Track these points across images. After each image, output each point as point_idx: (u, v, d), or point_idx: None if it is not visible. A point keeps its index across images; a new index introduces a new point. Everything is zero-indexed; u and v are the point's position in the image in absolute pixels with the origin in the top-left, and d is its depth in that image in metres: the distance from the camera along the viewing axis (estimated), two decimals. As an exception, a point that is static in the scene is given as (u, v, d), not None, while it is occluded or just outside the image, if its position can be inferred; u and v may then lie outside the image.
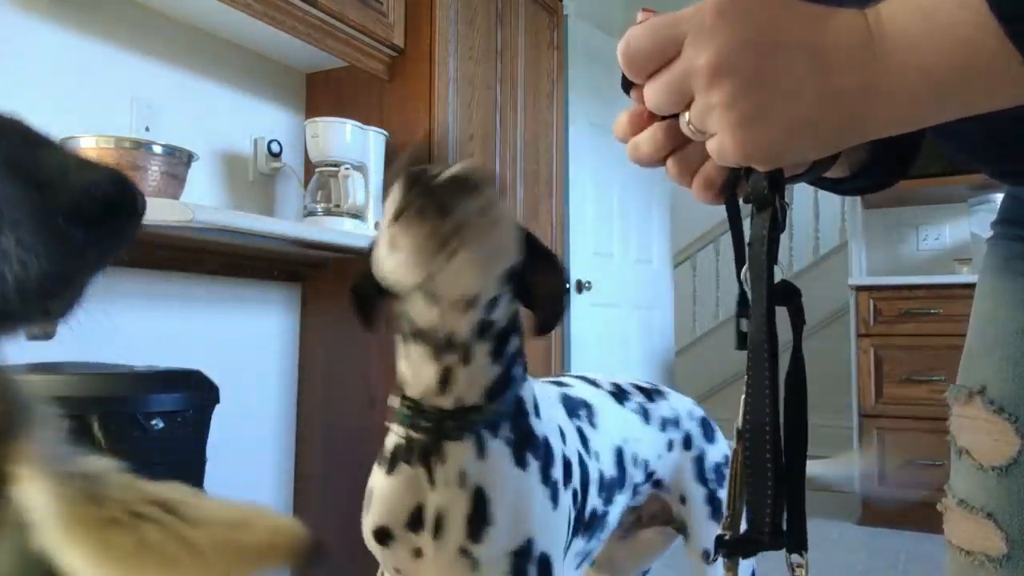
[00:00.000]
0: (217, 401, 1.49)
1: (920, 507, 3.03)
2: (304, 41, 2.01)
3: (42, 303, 0.27)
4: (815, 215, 5.25)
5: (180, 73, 1.99)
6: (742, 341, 0.48)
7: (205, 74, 2.06)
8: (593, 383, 1.16)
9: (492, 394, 0.87)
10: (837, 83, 0.38)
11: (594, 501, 1.00)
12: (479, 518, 0.84)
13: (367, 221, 2.11)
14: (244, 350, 2.15)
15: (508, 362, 0.89)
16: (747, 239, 0.48)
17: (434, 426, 0.87)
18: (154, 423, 1.31)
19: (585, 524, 0.98)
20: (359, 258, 2.43)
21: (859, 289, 3.28)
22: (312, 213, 2.08)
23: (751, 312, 0.46)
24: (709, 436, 1.20)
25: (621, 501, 1.07)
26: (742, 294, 0.49)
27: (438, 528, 0.86)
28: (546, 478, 0.89)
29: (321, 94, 2.36)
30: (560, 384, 1.12)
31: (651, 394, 1.19)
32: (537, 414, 0.92)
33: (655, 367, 3.65)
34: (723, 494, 1.14)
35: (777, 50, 0.38)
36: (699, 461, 1.16)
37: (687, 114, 0.42)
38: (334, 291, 2.27)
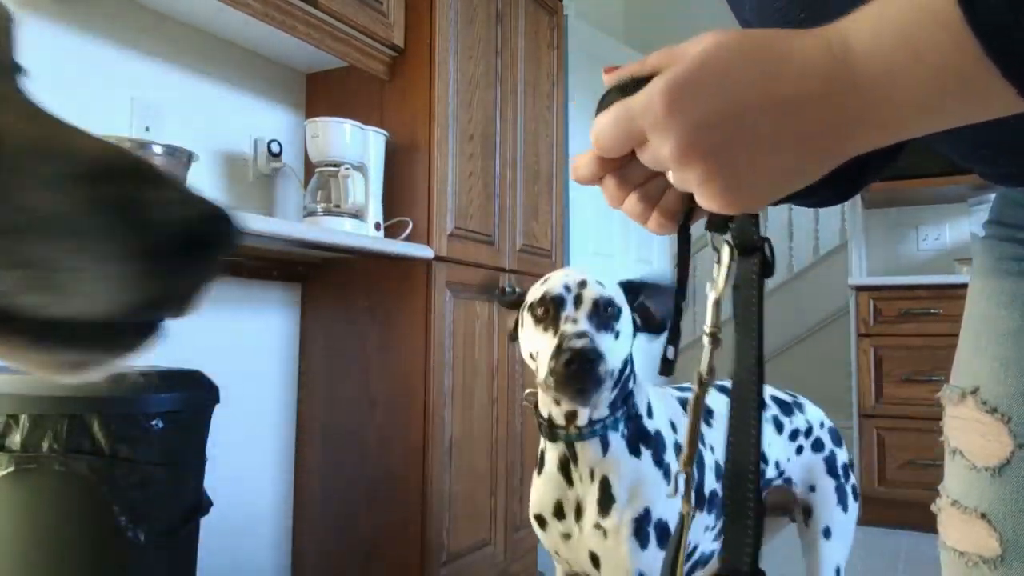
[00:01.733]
0: (217, 401, 1.49)
1: (920, 507, 3.04)
2: (304, 41, 2.02)
3: (137, 324, 0.32)
4: (815, 215, 5.25)
5: (180, 73, 1.99)
6: (665, 367, 0.49)
7: (205, 74, 2.06)
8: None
9: (612, 407, 1.14)
10: (811, 126, 0.38)
11: (712, 484, 1.22)
12: (606, 499, 1.12)
13: (367, 221, 2.11)
14: (244, 350, 2.15)
15: (624, 382, 1.16)
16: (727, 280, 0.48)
17: (565, 437, 1.14)
18: (154, 423, 1.32)
19: (706, 501, 1.20)
20: (359, 258, 2.43)
21: (859, 289, 3.27)
22: (312, 213, 2.09)
23: (736, 355, 0.46)
24: (837, 442, 1.46)
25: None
26: (675, 323, 0.50)
27: (578, 513, 1.15)
28: (658, 462, 1.15)
29: (321, 94, 2.36)
30: (685, 389, 1.34)
31: (790, 407, 1.43)
32: (650, 414, 1.19)
33: (655, 367, 3.65)
34: (848, 488, 1.42)
35: (739, 117, 0.38)
36: (830, 461, 1.42)
37: (669, 173, 0.42)
38: (334, 291, 2.28)
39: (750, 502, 0.45)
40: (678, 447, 1.18)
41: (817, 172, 0.40)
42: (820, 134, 0.38)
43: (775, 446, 1.36)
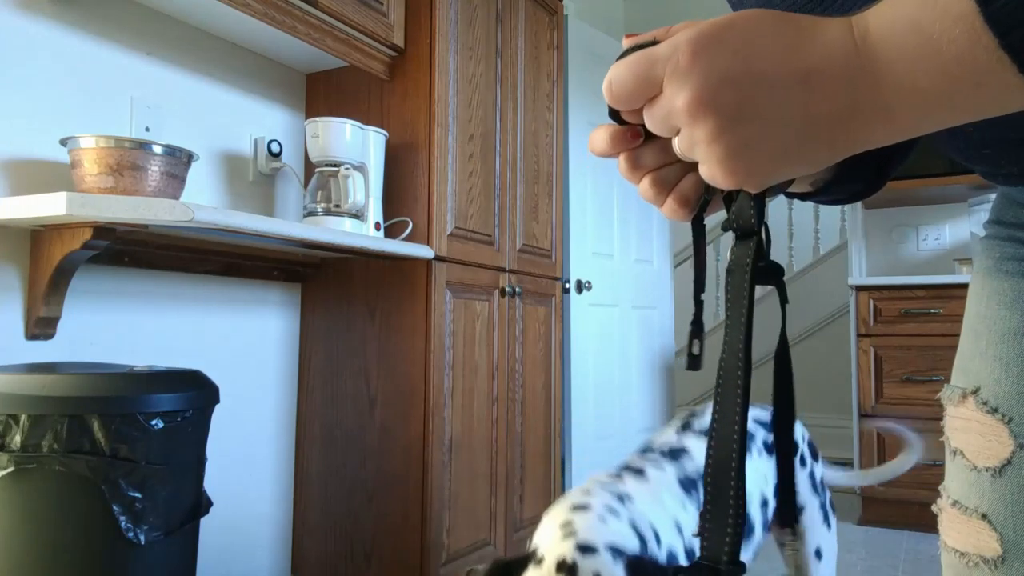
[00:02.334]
0: (217, 401, 1.49)
1: (920, 507, 3.04)
2: (304, 41, 2.02)
3: None
4: (815, 215, 5.25)
5: (180, 73, 1.99)
6: (693, 362, 0.48)
7: (205, 74, 2.06)
8: None
9: None
10: (823, 106, 0.38)
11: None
12: None
13: (367, 221, 2.11)
14: (244, 350, 2.15)
15: None
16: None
17: None
18: (154, 423, 1.32)
19: None
20: (359, 258, 2.43)
21: (859, 289, 3.27)
22: (312, 213, 2.09)
23: (725, 340, 0.45)
24: (815, 455, 1.40)
25: (749, 547, 1.21)
26: (697, 316, 0.49)
27: None
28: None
29: (321, 94, 2.36)
30: (679, 454, 1.20)
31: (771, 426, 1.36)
32: (658, 542, 1.04)
33: (655, 367, 3.65)
34: (828, 504, 1.37)
35: (756, 82, 0.38)
36: (812, 477, 1.37)
37: (676, 139, 0.42)
38: (334, 291, 2.28)
39: (731, 491, 0.43)
40: (678, 527, 1.12)
41: (819, 159, 0.40)
42: (829, 116, 0.38)
43: (771, 477, 1.30)
